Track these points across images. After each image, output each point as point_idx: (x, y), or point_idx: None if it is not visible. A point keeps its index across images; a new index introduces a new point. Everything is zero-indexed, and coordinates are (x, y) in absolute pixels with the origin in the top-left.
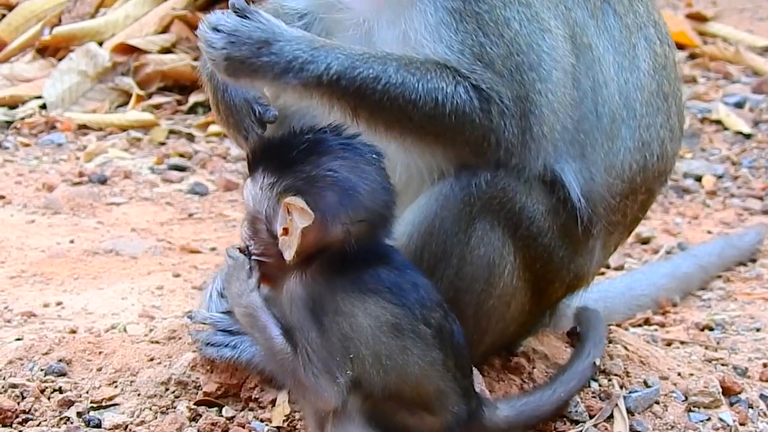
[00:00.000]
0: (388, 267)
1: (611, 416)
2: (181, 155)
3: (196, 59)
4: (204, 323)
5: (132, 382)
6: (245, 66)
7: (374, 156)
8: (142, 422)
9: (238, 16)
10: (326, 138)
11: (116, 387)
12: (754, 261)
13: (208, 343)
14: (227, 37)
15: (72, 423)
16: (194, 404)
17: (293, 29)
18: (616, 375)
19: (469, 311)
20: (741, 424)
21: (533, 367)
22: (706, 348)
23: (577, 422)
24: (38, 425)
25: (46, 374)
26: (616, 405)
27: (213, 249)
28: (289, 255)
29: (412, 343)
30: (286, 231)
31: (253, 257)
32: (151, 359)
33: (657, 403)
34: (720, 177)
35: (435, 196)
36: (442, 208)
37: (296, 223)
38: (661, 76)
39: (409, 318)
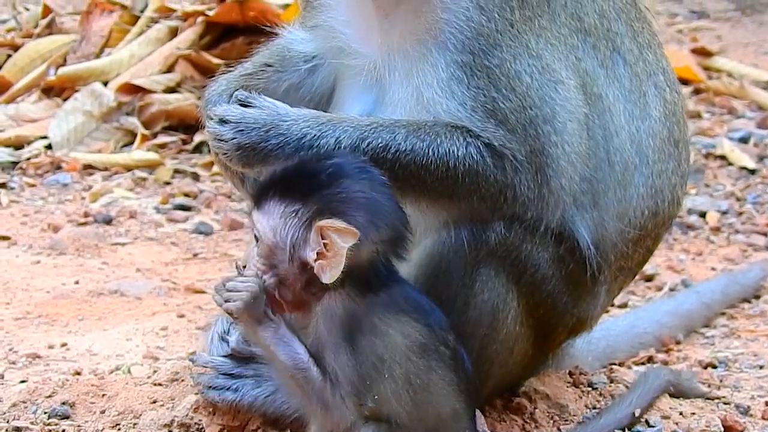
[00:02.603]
0: (409, 288)
1: None
2: (186, 195)
3: (200, 98)
4: (206, 366)
5: (135, 424)
6: (257, 152)
7: (384, 177)
8: None
9: (242, 105)
10: (346, 162)
11: (119, 429)
12: (758, 298)
13: (210, 387)
14: (235, 126)
15: None
16: None
17: (298, 108)
18: None
19: (472, 356)
20: None
21: (535, 408)
22: (709, 386)
23: None
24: None
25: (49, 417)
26: None
27: None
28: (331, 276)
29: (436, 363)
30: (320, 255)
31: (268, 288)
32: (154, 401)
33: None
34: (724, 213)
35: (443, 240)
36: (449, 251)
37: (339, 243)
38: (672, 123)
39: (432, 338)
